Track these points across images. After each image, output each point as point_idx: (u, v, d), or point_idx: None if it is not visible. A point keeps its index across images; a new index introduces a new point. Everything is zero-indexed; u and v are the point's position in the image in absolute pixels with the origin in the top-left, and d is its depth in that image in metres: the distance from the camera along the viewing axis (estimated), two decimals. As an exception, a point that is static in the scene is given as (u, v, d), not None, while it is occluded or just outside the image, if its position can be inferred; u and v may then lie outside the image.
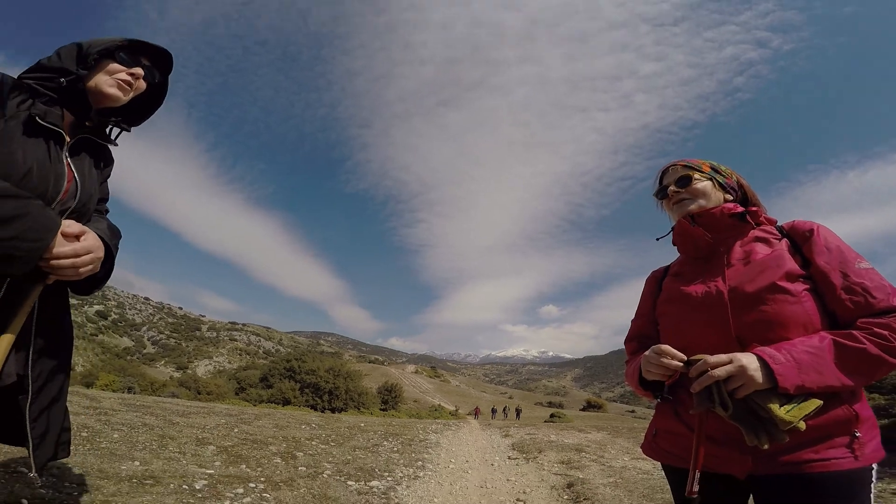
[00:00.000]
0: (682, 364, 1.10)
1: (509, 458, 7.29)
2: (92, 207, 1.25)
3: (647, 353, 1.18)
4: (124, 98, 1.26)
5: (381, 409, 28.81)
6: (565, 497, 4.23)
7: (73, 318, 1.34)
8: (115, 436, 4.27)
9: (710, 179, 1.29)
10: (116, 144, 1.35)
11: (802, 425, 0.96)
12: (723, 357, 1.03)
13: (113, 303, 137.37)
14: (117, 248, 1.27)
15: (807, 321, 1.07)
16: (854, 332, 1.01)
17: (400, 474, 4.88)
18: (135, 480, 3.03)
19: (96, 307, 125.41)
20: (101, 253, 1.12)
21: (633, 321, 1.49)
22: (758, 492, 1.10)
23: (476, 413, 30.51)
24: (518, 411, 34.45)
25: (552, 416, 32.89)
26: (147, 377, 34.26)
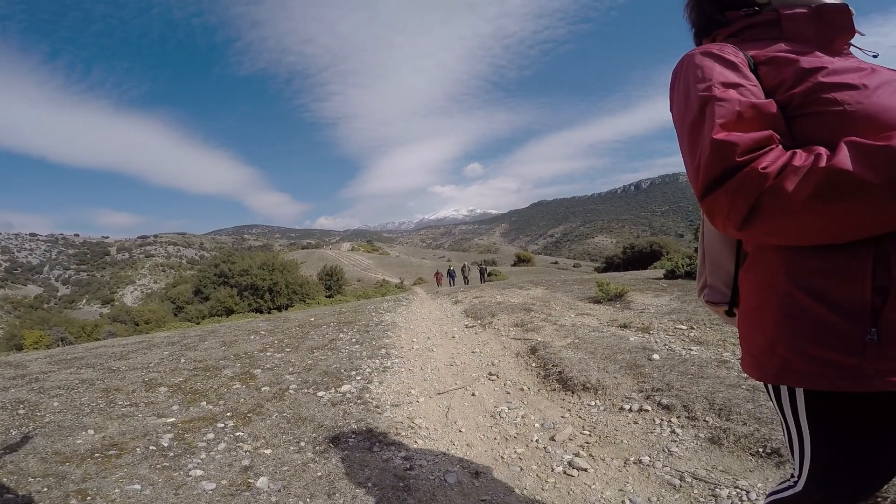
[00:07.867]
0: None
1: (466, 326, 7.66)
2: None
3: None
4: None
5: (326, 297, 29.26)
6: (534, 365, 4.46)
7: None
8: (56, 404, 3.78)
9: None
10: None
11: None
12: None
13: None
14: None
15: None
16: None
17: (367, 370, 4.83)
18: (97, 455, 2.73)
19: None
20: None
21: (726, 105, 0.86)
22: None
23: (438, 281, 26.66)
24: (482, 272, 26.17)
25: (489, 274, 35.58)
26: (75, 322, 31.07)
